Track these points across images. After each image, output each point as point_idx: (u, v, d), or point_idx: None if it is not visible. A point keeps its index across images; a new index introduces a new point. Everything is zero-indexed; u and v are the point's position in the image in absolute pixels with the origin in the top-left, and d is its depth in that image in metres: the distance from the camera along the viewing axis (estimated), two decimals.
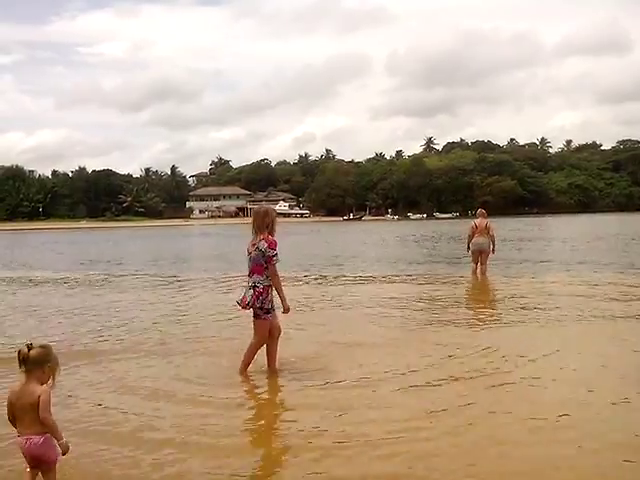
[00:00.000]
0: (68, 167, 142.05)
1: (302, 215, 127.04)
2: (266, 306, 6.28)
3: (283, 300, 6.30)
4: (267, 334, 6.39)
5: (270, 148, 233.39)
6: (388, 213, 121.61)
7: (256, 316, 6.33)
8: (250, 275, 6.34)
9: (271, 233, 6.31)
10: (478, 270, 15.06)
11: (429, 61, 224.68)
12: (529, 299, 11.12)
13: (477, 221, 15.18)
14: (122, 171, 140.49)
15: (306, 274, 16.83)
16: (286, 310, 6.35)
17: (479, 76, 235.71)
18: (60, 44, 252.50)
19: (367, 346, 7.74)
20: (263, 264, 6.23)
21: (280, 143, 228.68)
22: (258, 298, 6.24)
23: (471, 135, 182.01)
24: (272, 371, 6.52)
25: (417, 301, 11.65)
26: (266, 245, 6.20)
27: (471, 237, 15.09)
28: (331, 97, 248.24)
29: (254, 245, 6.29)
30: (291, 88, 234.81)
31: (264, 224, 6.31)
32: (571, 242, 28.05)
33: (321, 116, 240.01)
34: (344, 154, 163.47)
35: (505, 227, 44.53)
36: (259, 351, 6.51)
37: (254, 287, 6.25)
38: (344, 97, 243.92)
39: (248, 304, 6.29)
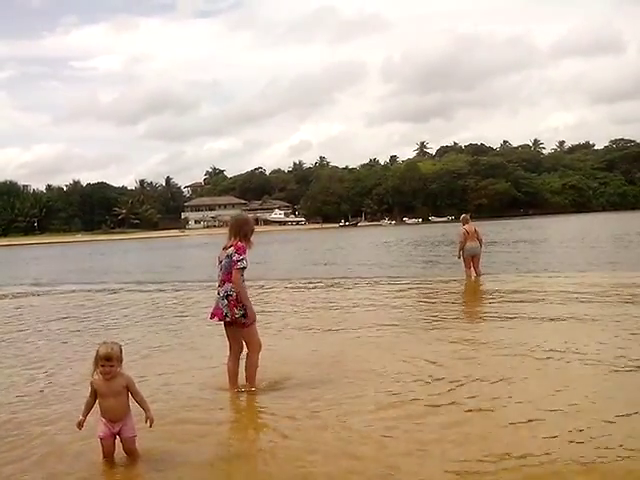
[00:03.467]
0: (65, 181, 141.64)
1: (298, 223, 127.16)
2: (248, 312, 5.96)
3: (247, 309, 5.91)
4: (259, 340, 6.10)
5: (267, 157, 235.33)
6: (385, 219, 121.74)
7: (241, 325, 5.96)
8: (221, 285, 5.98)
9: (244, 241, 5.99)
10: (473, 273, 15.20)
11: (424, 66, 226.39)
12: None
13: (466, 227, 15.30)
14: (119, 184, 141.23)
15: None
16: (249, 321, 5.94)
17: (474, 80, 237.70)
18: (53, 59, 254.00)
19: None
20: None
21: (277, 152, 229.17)
22: (236, 307, 5.90)
23: (467, 139, 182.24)
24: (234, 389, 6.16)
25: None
26: (234, 250, 5.90)
27: (463, 243, 15.20)
28: (327, 105, 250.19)
29: (225, 252, 5.99)
30: (288, 97, 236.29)
31: (241, 232, 6.03)
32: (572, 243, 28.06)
33: (317, 124, 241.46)
34: (341, 161, 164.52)
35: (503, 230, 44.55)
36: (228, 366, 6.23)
37: (227, 296, 5.90)
38: (340, 104, 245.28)
39: (226, 315, 5.92)
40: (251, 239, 6.10)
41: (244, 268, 5.90)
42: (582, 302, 10.58)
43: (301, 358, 7.45)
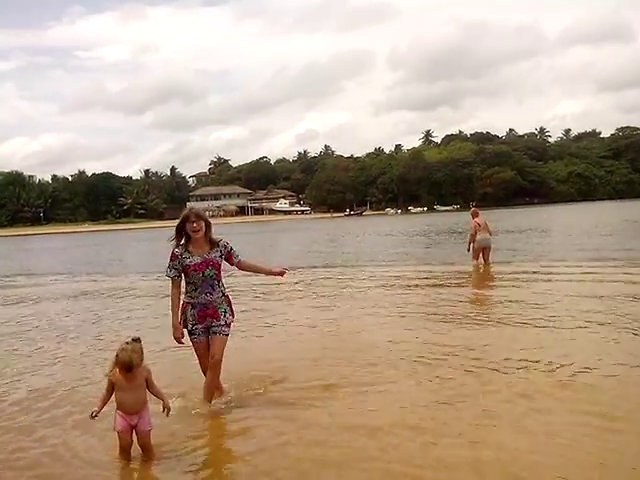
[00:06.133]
0: (72, 171, 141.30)
1: (303, 212, 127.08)
2: (184, 325, 5.39)
3: (173, 323, 5.36)
4: (200, 357, 5.45)
5: (273, 146, 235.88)
6: (390, 208, 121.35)
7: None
8: None
9: (183, 241, 5.35)
10: (481, 261, 15.37)
11: (432, 54, 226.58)
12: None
13: (477, 219, 15.41)
14: (126, 173, 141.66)
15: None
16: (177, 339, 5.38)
17: (481, 68, 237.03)
18: (60, 49, 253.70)
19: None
20: None
21: (283, 141, 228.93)
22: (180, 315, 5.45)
23: (474, 127, 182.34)
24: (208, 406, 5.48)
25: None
26: None
27: (474, 236, 15.33)
28: (334, 94, 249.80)
29: None
30: (295, 86, 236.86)
31: (177, 229, 5.38)
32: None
33: (324, 113, 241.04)
34: (347, 150, 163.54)
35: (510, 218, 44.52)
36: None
37: None
38: (347, 93, 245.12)
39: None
40: (189, 232, 5.28)
41: (169, 277, 5.33)
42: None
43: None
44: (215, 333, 5.36)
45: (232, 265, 5.53)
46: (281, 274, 5.65)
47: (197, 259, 5.27)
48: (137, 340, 4.34)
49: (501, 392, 5.49)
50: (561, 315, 8.67)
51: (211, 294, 5.34)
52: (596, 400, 5.15)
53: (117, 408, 4.39)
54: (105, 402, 4.41)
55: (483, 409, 5.10)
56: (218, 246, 5.40)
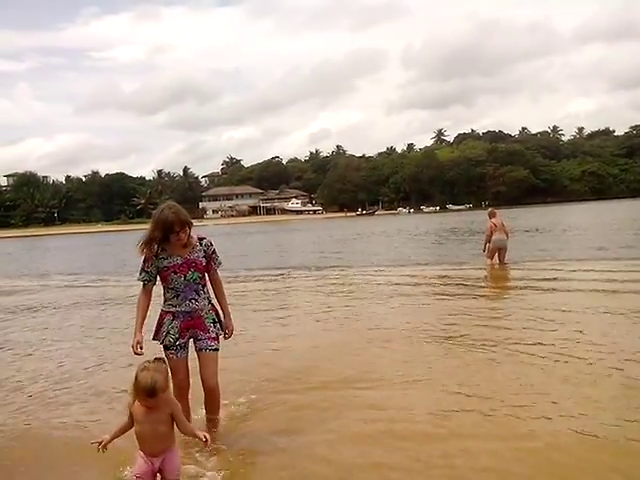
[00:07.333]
0: (86, 172, 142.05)
1: (315, 212, 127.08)
2: (158, 337, 4.60)
3: (135, 330, 4.44)
4: (176, 376, 4.50)
5: (285, 146, 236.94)
6: (402, 207, 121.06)
7: None
8: None
9: (153, 252, 4.52)
10: (496, 264, 15.31)
11: (445, 52, 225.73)
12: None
13: (494, 220, 15.44)
14: (140, 174, 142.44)
15: None
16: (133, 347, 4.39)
17: (495, 66, 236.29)
18: (74, 50, 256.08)
19: None
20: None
21: (296, 140, 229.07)
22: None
23: (486, 125, 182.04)
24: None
25: None
26: None
27: (490, 237, 15.36)
28: (347, 93, 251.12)
29: None
30: (308, 85, 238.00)
31: (154, 239, 4.51)
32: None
33: (337, 112, 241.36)
34: (360, 149, 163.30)
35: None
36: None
37: None
38: (360, 92, 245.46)
39: None
40: (173, 242, 4.47)
41: (140, 281, 4.61)
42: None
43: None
44: (202, 349, 4.59)
45: (208, 271, 4.68)
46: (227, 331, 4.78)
47: (177, 260, 4.50)
48: (160, 360, 3.64)
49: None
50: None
51: (196, 301, 4.55)
52: None
53: (138, 447, 3.61)
54: (121, 432, 3.65)
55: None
56: (201, 245, 4.63)
